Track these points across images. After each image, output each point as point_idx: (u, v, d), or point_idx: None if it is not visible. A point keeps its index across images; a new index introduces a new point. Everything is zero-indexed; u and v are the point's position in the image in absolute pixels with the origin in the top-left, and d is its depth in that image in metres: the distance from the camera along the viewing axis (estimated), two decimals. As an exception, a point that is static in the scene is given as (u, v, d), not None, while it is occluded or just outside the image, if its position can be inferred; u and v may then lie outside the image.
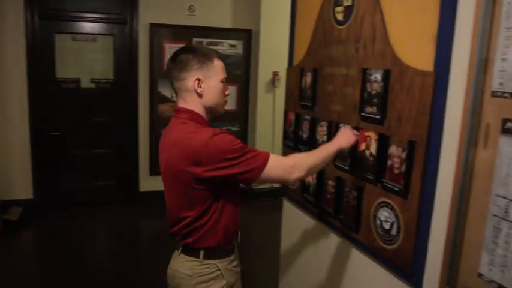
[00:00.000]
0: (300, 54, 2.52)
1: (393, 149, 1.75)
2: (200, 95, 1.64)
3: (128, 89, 5.01)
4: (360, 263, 2.05)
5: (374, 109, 1.86)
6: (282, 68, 2.70)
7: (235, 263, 1.78)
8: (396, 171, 1.74)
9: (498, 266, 1.33)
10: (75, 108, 4.91)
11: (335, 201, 2.17)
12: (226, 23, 5.25)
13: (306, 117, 2.42)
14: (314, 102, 2.35)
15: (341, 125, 2.08)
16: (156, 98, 5.09)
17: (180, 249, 1.71)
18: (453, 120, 1.50)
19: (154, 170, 5.18)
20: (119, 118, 5.05)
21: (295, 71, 2.55)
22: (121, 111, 5.04)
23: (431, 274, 1.61)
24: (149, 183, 5.20)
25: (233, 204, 1.70)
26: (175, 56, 1.65)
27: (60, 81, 4.83)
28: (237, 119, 5.40)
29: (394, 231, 1.77)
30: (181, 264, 1.70)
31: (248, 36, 5.33)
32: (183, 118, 1.63)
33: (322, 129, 2.27)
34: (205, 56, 1.63)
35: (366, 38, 1.91)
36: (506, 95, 1.28)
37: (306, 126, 2.42)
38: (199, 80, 1.61)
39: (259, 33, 5.24)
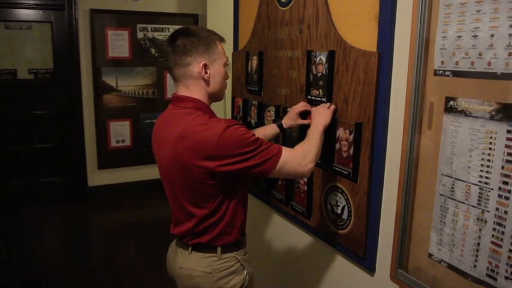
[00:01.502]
0: (245, 37, 2.47)
1: (341, 132, 1.74)
2: (207, 82, 1.56)
3: (70, 79, 4.79)
4: (314, 249, 2.05)
5: (320, 92, 1.84)
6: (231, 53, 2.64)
7: (247, 254, 1.74)
8: (344, 155, 1.73)
9: (446, 245, 1.34)
10: (13, 101, 4.66)
11: (286, 188, 2.16)
12: (171, 8, 5.10)
13: (254, 102, 2.38)
14: (261, 87, 2.32)
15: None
16: (100, 88, 4.91)
17: (190, 248, 1.63)
18: (398, 100, 1.50)
19: (103, 163, 5.03)
20: (62, 110, 4.84)
21: (240, 55, 2.50)
22: (63, 102, 4.82)
23: (384, 257, 1.62)
24: (98, 177, 5.04)
25: (245, 197, 1.67)
26: (174, 39, 1.54)
27: (-6, 73, 4.57)
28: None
29: (345, 216, 1.77)
30: (196, 263, 1.62)
31: (195, 21, 5.21)
32: (188, 108, 1.54)
33: (270, 114, 2.25)
34: (209, 39, 1.55)
35: (309, 18, 1.88)
36: (447, 73, 1.28)
37: (253, 111, 2.39)
38: (205, 65, 1.54)
39: (206, 18, 5.13)
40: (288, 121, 1.95)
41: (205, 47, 1.54)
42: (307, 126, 1.79)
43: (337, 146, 1.77)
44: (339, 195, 1.79)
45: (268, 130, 1.98)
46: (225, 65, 1.61)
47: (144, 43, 4.98)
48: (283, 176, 1.55)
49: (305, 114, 1.90)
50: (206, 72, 1.55)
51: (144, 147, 5.03)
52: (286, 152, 1.52)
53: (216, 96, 1.63)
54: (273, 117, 2.21)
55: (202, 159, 1.44)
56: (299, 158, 1.54)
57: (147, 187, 5.11)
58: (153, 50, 5.01)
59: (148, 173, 5.10)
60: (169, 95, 5.11)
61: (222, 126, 1.43)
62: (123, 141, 5.07)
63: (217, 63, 1.57)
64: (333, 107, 1.77)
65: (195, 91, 1.57)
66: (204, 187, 1.51)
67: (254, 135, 1.48)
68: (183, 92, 1.58)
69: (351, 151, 1.69)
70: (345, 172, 1.73)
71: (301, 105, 1.90)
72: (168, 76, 4.90)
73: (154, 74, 5.06)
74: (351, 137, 1.69)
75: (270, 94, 2.25)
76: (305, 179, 2.01)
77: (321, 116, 1.74)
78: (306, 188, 2.00)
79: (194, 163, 1.46)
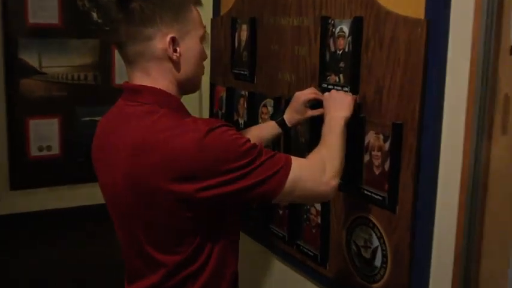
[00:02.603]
0: (230, -4, 2.49)
1: (371, 137, 1.74)
2: (176, 64, 1.54)
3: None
4: (330, 310, 2.05)
5: (340, 77, 1.85)
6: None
7: None
8: (377, 171, 1.73)
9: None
10: None
11: (290, 219, 2.15)
12: (122, -48, 5.10)
13: (243, 92, 2.39)
14: (253, 70, 2.32)
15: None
16: (15, 69, 4.86)
17: None
18: (456, 90, 1.49)
19: (18, 181, 4.97)
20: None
21: (224, 24, 2.51)
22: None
23: (435, 323, 1.62)
24: (11, 202, 4.97)
25: (236, 235, 1.67)
26: (127, 0, 1.50)
27: None
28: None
29: (378, 262, 1.76)
30: None
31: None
32: (148, 104, 1.51)
33: (267, 111, 2.25)
34: (178, 2, 1.54)
35: (325, -31, 1.89)
36: (531, 51, 1.28)
37: (242, 106, 2.40)
38: (173, 39, 1.51)
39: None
40: (292, 115, 1.94)
41: (173, 14, 1.52)
42: (319, 121, 1.78)
43: (366, 158, 1.77)
44: (369, 231, 1.79)
45: (264, 131, 1.97)
46: (203, 39, 1.60)
47: (81, 4, 4.96)
48: (295, 200, 1.55)
49: (315, 105, 1.90)
50: (175, 50, 1.52)
51: (81, 157, 4.99)
52: (297, 163, 1.50)
53: (189, 86, 1.62)
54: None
55: (174, 180, 1.41)
56: (317, 172, 1.53)
57: (85, 216, 5.05)
58: (95, 15, 4.99)
59: (87, 195, 5.04)
60: (118, 80, 5.07)
61: (202, 130, 1.40)
62: (49, 148, 5.01)
63: (191, 36, 1.56)
64: (354, 97, 1.77)
65: (159, 78, 1.54)
66: (176, 222, 1.49)
67: (249, 140, 1.47)
68: (141, 79, 1.55)
69: (387, 166, 1.69)
70: (377, 197, 1.73)
71: (310, 92, 1.90)
72: (117, 53, 4.87)
73: (97, 50, 5.00)
74: (387, 145, 1.68)
75: (266, 81, 2.25)
76: (317, 206, 2.00)
77: (338, 105, 1.74)
78: (319, 220, 1.99)
79: (161, 187, 1.43)
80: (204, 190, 1.41)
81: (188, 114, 1.55)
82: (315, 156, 1.58)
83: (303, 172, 1.50)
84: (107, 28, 1.58)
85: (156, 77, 1.54)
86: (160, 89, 1.53)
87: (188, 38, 1.55)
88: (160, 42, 1.50)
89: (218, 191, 1.42)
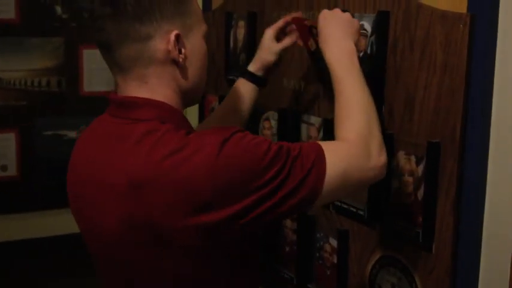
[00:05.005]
0: (225, -13, 2.52)
1: (401, 159, 1.73)
2: (183, 69, 1.52)
3: None
4: None
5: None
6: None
7: None
8: (408, 200, 1.71)
9: None
10: None
11: (299, 258, 2.14)
12: None
13: None
14: None
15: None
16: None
17: None
18: (507, 102, 1.47)
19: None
20: None
21: (216, 19, 2.53)
22: None
23: None
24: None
25: (256, 273, 1.65)
26: None
27: None
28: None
29: (408, 312, 1.76)
30: None
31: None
32: (147, 120, 1.45)
33: (269, 125, 2.25)
34: None
35: (342, -46, 1.91)
36: None
37: (239, 120, 2.39)
38: (178, 37, 1.48)
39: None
40: (260, 57, 1.97)
41: (174, 5, 1.49)
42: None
43: (395, 184, 1.76)
44: (398, 274, 1.77)
45: (245, 100, 2.00)
46: (205, 36, 1.59)
47: (43, -4, 4.96)
48: (340, 196, 1.64)
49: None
50: (180, 52, 1.49)
51: (43, 179, 4.96)
52: (331, 149, 1.46)
53: (193, 96, 1.60)
54: (274, 132, 2.21)
55: (195, 213, 1.36)
56: (362, 156, 1.49)
57: (49, 250, 5.00)
58: (59, 9, 4.98)
59: (51, 224, 5.01)
60: (87, 86, 5.05)
61: (214, 144, 1.35)
62: (4, 168, 4.97)
63: (194, 33, 1.53)
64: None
65: (159, 88, 1.50)
66: (194, 269, 1.44)
67: (271, 141, 1.41)
68: (136, 90, 1.50)
69: (420, 194, 1.67)
70: (408, 232, 1.71)
71: (281, 21, 1.95)
72: (86, 55, 4.85)
73: (61, 50, 4.99)
74: (420, 169, 1.67)
75: (269, 89, 2.19)
76: (333, 243, 2.00)
77: (344, 27, 1.70)
78: (335, 260, 1.98)
79: (178, 227, 1.37)
80: (232, 219, 1.36)
81: (191, 128, 1.52)
82: (351, 131, 1.53)
83: (344, 159, 1.46)
84: (91, 27, 1.53)
85: (155, 86, 1.49)
86: (162, 101, 1.49)
87: (192, 36, 1.52)
88: (161, 41, 1.46)
89: (251, 215, 1.37)
